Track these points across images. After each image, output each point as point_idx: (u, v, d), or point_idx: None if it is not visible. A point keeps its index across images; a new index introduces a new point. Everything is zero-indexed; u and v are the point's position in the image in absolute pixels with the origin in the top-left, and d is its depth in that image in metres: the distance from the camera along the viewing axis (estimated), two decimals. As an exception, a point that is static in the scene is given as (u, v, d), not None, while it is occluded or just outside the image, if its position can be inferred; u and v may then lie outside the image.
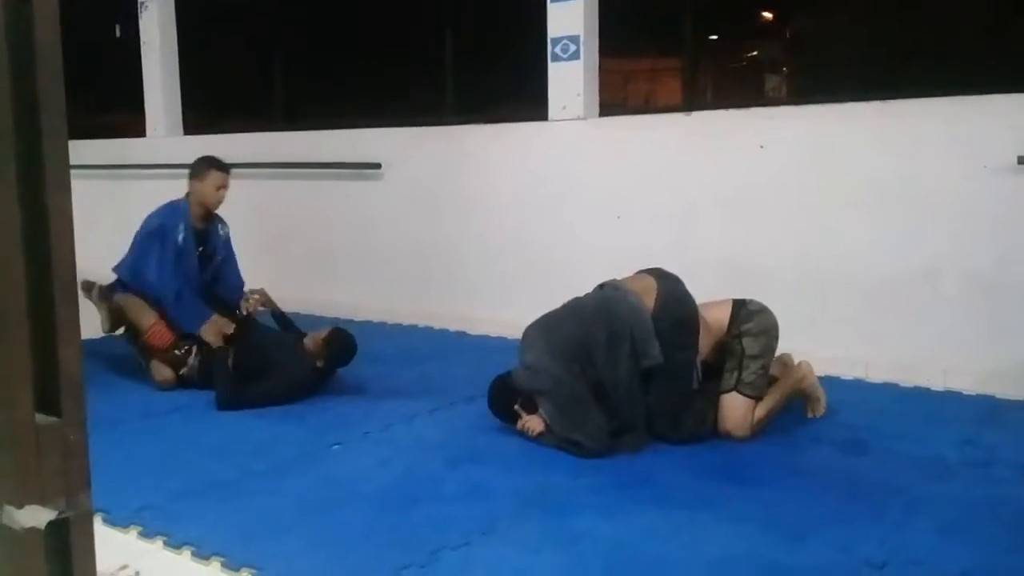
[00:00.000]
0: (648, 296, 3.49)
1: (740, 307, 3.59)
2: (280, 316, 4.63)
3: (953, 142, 4.22)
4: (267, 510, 2.86)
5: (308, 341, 4.24)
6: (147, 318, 4.42)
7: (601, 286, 3.65)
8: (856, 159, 4.45)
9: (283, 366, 4.18)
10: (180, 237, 4.50)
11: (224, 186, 4.59)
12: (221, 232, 4.77)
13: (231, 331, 4.42)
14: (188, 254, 4.54)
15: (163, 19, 7.36)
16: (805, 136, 4.61)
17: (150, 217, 4.58)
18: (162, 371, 4.40)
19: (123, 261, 4.63)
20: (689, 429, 3.44)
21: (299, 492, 3.02)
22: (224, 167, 4.61)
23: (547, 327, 3.53)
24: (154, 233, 4.48)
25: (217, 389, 4.11)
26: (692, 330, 3.47)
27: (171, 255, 4.45)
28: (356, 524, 2.75)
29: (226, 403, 4.04)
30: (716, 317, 3.56)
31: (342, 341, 4.22)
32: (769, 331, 3.54)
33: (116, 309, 4.59)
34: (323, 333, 4.23)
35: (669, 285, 3.56)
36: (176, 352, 4.40)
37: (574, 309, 3.57)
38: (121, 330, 4.66)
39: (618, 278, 3.68)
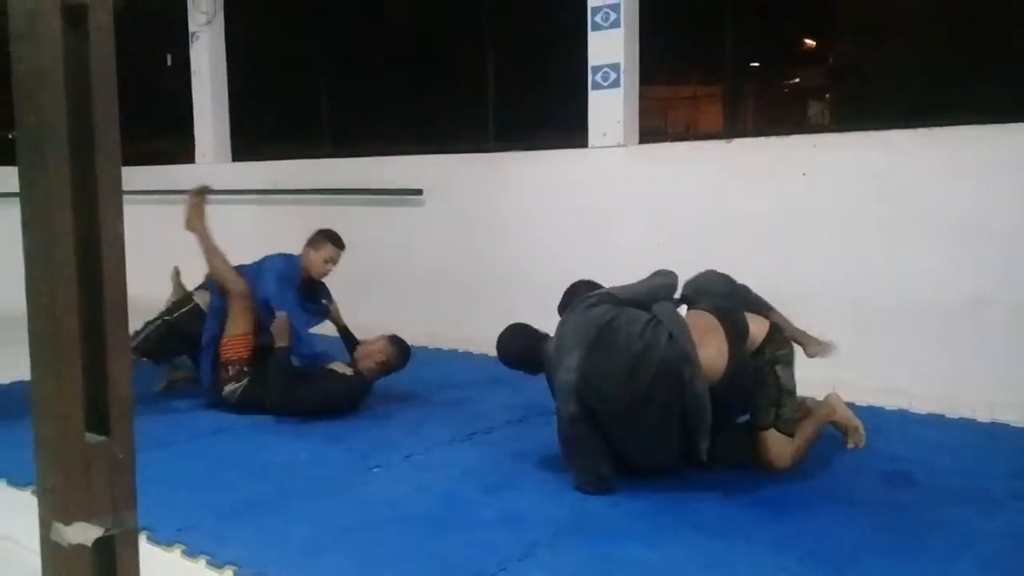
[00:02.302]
0: (718, 361, 3.16)
1: (776, 330, 3.44)
2: (344, 332, 4.83)
3: (999, 170, 4.16)
4: (308, 531, 2.88)
5: (367, 345, 4.50)
6: (243, 325, 4.41)
7: (657, 323, 3.21)
8: (901, 187, 4.40)
9: (336, 374, 4.39)
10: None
11: (333, 261, 4.73)
12: (321, 303, 4.84)
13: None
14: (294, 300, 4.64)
15: (213, 48, 7.53)
16: (849, 164, 4.57)
17: (277, 263, 4.62)
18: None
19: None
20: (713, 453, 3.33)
21: (340, 513, 3.04)
22: (340, 244, 4.74)
23: (590, 345, 3.18)
24: (283, 277, 4.56)
25: (272, 387, 4.23)
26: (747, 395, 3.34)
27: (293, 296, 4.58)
28: (395, 547, 2.76)
29: (280, 401, 4.20)
30: (753, 333, 3.38)
31: (403, 343, 4.52)
32: (793, 361, 3.44)
33: (225, 287, 4.49)
34: (381, 338, 4.51)
35: (739, 349, 3.24)
36: (234, 370, 4.35)
37: (634, 355, 3.12)
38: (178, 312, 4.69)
39: (680, 315, 3.32)
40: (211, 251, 4.54)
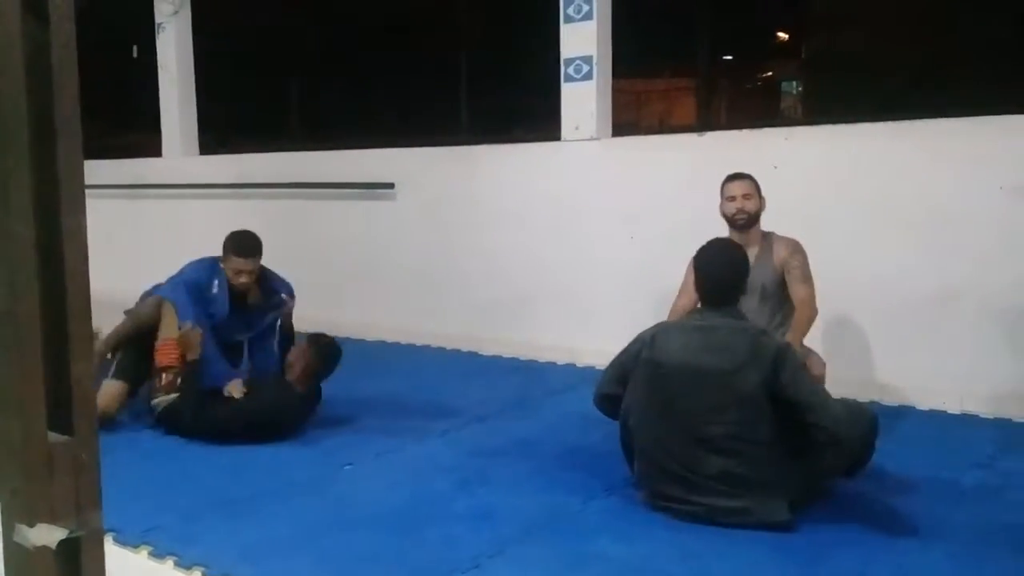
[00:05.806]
0: None
1: None
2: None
3: (969, 163, 4.20)
4: (278, 531, 2.86)
5: (290, 354, 4.00)
6: (171, 330, 4.05)
7: None
8: (871, 180, 4.43)
9: (264, 389, 4.00)
10: (215, 288, 4.21)
11: (244, 271, 4.13)
12: (273, 300, 4.36)
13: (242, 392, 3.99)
14: (220, 304, 4.20)
15: (180, 40, 7.43)
16: (820, 157, 4.60)
17: (187, 268, 4.28)
18: (108, 392, 3.95)
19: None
20: None
21: (310, 512, 3.01)
22: (244, 252, 4.13)
23: (671, 373, 2.96)
24: (188, 283, 4.19)
25: (184, 404, 3.85)
26: None
27: (196, 299, 4.17)
28: (366, 545, 2.74)
29: (192, 419, 3.80)
30: None
31: (325, 340, 4.01)
32: None
33: (145, 313, 4.19)
34: (299, 343, 4.03)
35: None
36: (166, 379, 3.97)
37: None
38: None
39: None
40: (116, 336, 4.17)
